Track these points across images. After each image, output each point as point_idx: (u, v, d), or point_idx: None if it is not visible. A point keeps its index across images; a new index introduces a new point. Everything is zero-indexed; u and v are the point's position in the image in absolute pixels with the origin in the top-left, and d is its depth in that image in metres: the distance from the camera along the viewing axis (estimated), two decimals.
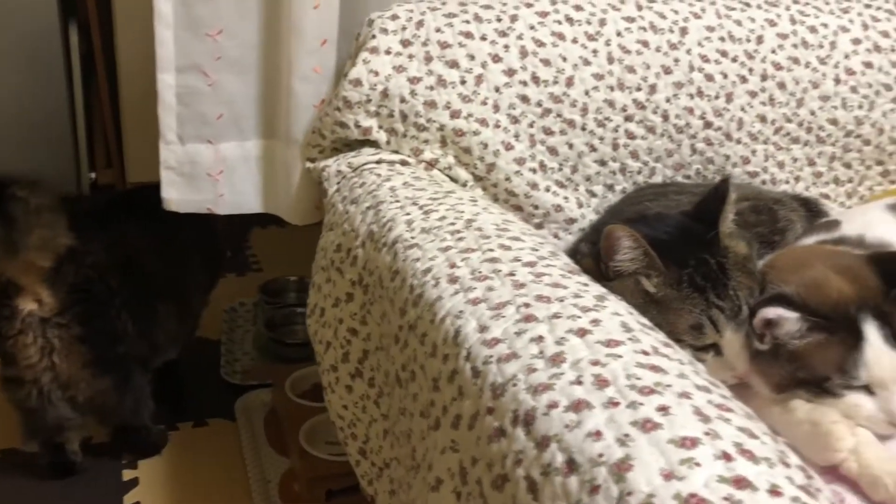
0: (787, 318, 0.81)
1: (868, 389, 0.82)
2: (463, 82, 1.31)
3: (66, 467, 1.64)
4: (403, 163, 1.31)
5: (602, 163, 1.39)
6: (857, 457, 0.78)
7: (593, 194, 1.40)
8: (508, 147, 1.32)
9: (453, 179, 1.33)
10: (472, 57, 1.31)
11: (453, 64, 1.31)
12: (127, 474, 1.71)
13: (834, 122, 1.50)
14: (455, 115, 1.30)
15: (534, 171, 1.35)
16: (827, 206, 1.44)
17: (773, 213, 1.19)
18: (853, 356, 0.81)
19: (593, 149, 1.38)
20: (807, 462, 0.81)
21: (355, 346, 1.14)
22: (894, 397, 0.81)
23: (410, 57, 1.30)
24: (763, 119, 1.46)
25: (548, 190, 1.36)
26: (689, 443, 0.61)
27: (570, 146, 1.37)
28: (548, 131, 1.35)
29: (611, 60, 1.37)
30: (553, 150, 1.36)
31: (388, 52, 1.30)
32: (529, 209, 1.36)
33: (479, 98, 1.31)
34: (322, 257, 1.23)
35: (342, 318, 1.16)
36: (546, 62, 1.34)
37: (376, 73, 1.29)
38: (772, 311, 0.82)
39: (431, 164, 1.32)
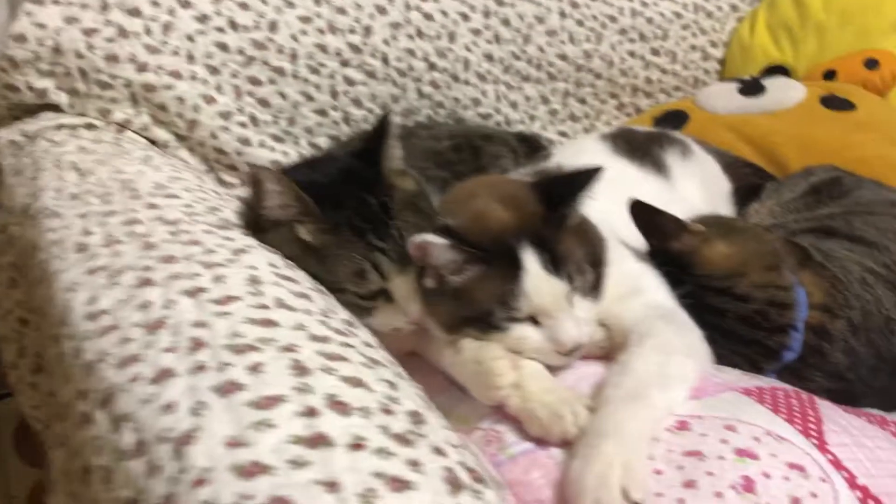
0: (435, 245, 0.75)
1: (534, 320, 0.78)
2: (148, 32, 1.17)
3: None
4: (89, 126, 1.16)
5: (322, 113, 1.30)
6: (520, 392, 0.74)
7: (317, 147, 1.31)
8: (210, 101, 1.20)
9: (153, 141, 1.20)
10: (156, 3, 1.18)
11: (135, 12, 1.17)
12: None
13: (563, 57, 1.49)
14: (142, 68, 1.16)
15: (244, 125, 1.23)
16: (549, 141, 1.42)
17: (476, 150, 1.14)
18: (512, 287, 0.76)
19: (310, 98, 1.28)
20: (474, 402, 0.78)
21: (30, 338, 1.00)
22: (560, 325, 0.77)
23: (83, 6, 1.15)
24: (490, 58, 1.42)
25: (262, 145, 1.25)
26: (269, 402, 0.54)
27: (283, 96, 1.27)
28: (255, 81, 1.24)
29: (318, 2, 1.27)
30: (264, 102, 1.25)
31: (55, 3, 1.14)
32: (245, 168, 1.25)
33: (168, 48, 1.18)
34: None
35: (11, 307, 1.01)
36: (244, 6, 1.23)
37: (44, 27, 1.13)
38: (418, 238, 0.76)
39: (124, 126, 1.18)
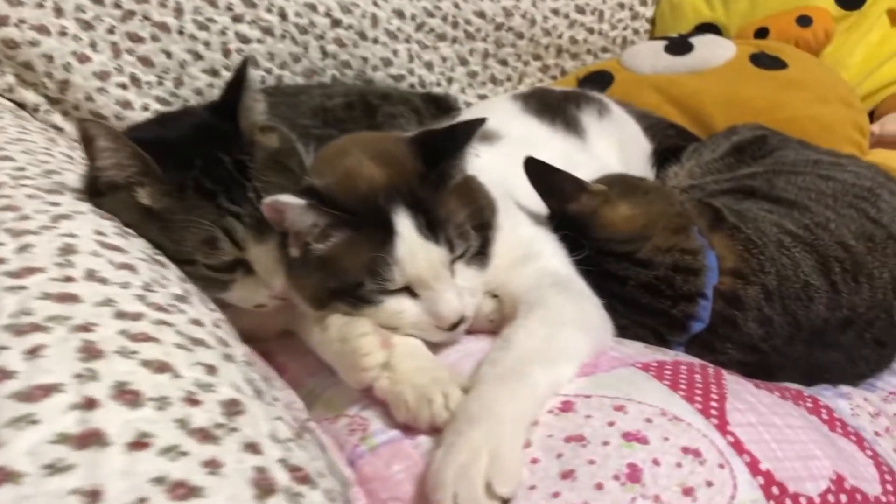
0: (291, 206, 0.65)
1: (411, 292, 0.69)
2: None
3: None
4: None
5: (213, 73, 1.19)
6: (389, 372, 0.65)
7: None
8: (83, 59, 1.09)
9: (20, 105, 1.08)
10: None
11: None
12: None
13: (481, 14, 1.39)
14: (1, 22, 1.04)
15: (124, 86, 1.12)
16: (467, 103, 1.33)
17: (372, 109, 1.04)
18: (384, 254, 0.67)
19: (199, 56, 1.17)
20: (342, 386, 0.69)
21: None
22: (440, 297, 0.68)
23: None
24: (401, 14, 1.32)
25: (146, 108, 1.14)
26: (40, 393, 0.44)
27: (168, 55, 1.15)
28: (135, 38, 1.13)
29: None
30: (146, 61, 1.14)
31: None
32: None
33: (31, 0, 1.06)
34: None
35: None
36: None
37: None
38: (270, 199, 0.66)
39: None
